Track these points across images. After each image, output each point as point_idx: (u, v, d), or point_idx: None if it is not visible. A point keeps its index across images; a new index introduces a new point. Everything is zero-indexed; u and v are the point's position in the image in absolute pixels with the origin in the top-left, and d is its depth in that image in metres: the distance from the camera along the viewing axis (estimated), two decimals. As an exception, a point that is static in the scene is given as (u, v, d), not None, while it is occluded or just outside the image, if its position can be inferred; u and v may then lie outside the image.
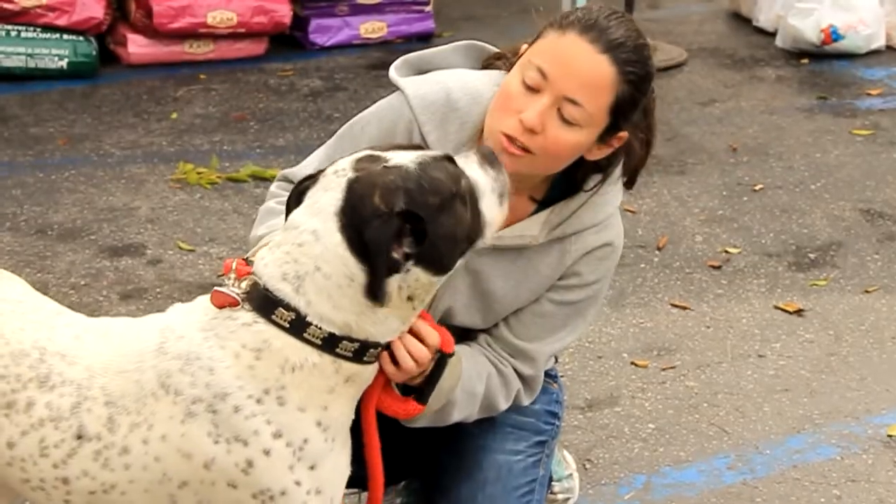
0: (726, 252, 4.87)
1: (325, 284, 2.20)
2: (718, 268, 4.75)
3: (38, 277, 4.41)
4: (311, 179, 2.30)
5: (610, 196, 2.67)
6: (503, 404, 2.71)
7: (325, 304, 2.21)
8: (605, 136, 2.51)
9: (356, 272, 2.19)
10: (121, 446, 2.26)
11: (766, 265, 4.78)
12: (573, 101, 2.43)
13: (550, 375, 2.98)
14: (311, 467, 2.26)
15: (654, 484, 3.54)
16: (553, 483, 3.25)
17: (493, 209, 2.33)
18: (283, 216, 2.35)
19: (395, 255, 2.18)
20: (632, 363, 4.11)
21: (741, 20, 7.60)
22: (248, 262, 2.30)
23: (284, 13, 6.67)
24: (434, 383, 2.44)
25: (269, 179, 5.21)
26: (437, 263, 2.24)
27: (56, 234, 4.78)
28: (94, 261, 4.59)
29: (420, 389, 2.46)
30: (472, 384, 2.61)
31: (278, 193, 2.75)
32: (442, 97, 2.62)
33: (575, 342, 4.15)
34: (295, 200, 2.31)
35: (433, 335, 2.38)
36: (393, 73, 2.71)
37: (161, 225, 4.89)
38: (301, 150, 5.52)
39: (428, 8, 7.11)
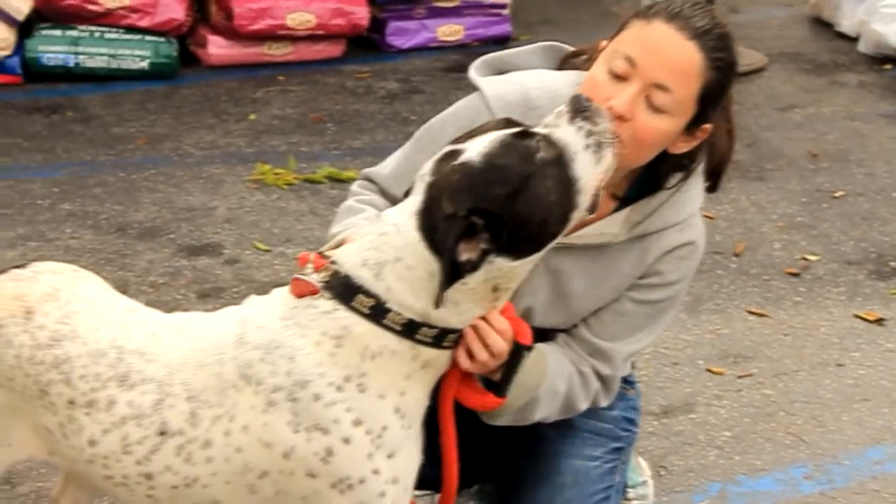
0: (805, 259, 4.81)
1: (405, 274, 2.23)
2: (797, 275, 4.70)
3: (118, 275, 4.46)
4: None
5: (692, 195, 2.65)
6: (583, 404, 2.69)
7: (405, 292, 2.23)
8: (691, 127, 2.50)
9: (436, 268, 2.20)
10: (203, 440, 2.28)
11: (846, 273, 4.71)
12: (663, 88, 2.42)
13: (628, 381, 2.96)
14: (389, 455, 2.27)
15: (730, 492, 3.50)
16: (627, 489, 3.23)
17: (587, 168, 2.26)
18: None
19: (467, 255, 2.19)
20: (707, 370, 4.07)
21: (822, 25, 7.51)
22: (324, 257, 2.32)
23: (363, 15, 6.70)
24: (511, 375, 2.41)
25: (346, 181, 5.25)
26: (521, 249, 2.24)
27: (136, 232, 4.84)
28: (173, 260, 4.64)
29: (499, 386, 2.44)
30: (554, 383, 2.59)
31: (359, 192, 2.77)
32: (520, 96, 2.62)
33: (650, 348, 4.12)
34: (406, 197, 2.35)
35: (506, 326, 2.35)
36: (472, 73, 2.72)
37: (238, 225, 4.93)
38: (377, 151, 5.53)
39: (505, 11, 7.10)
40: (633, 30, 2.48)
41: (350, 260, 2.26)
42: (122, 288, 2.56)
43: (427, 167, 2.29)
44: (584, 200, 2.27)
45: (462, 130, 2.63)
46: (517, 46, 2.84)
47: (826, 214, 5.18)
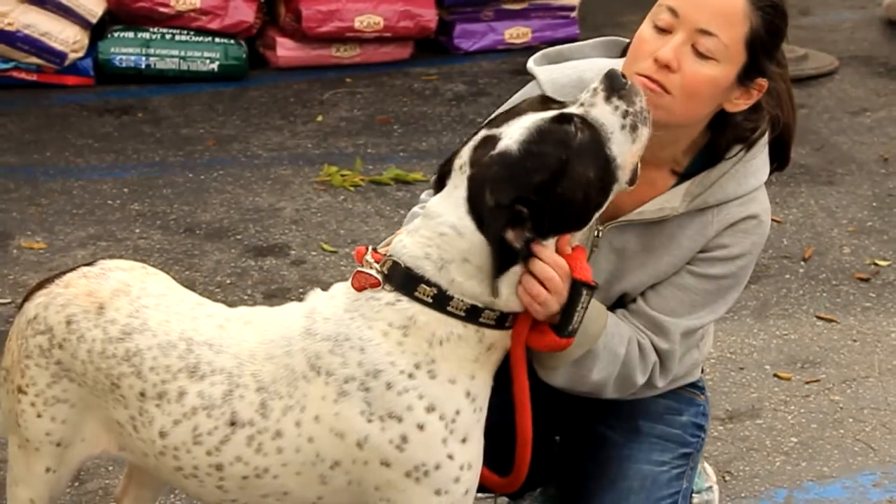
0: (875, 265, 4.75)
1: (475, 272, 2.25)
2: (867, 280, 4.64)
3: (185, 275, 4.51)
4: (450, 164, 2.34)
5: (755, 168, 2.62)
6: (640, 378, 2.63)
7: (472, 285, 2.26)
8: (743, 79, 2.48)
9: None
10: (274, 430, 2.30)
11: (918, 279, 4.65)
12: (707, 33, 2.43)
13: (698, 387, 2.93)
14: (463, 440, 2.29)
15: (796, 499, 3.47)
16: (692, 495, 3.20)
17: (624, 147, 2.28)
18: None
19: (517, 243, 2.22)
20: (775, 375, 4.03)
21: None
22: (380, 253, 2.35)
23: (430, 18, 6.72)
24: (570, 312, 2.35)
25: (412, 183, 5.26)
26: (565, 228, 2.29)
27: (204, 233, 4.88)
28: (240, 260, 4.68)
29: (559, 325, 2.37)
30: (614, 343, 2.56)
31: (426, 199, 2.77)
32: (574, 79, 2.63)
33: (717, 352, 4.09)
34: (437, 186, 2.38)
35: (562, 262, 2.30)
36: (530, 63, 2.75)
37: (305, 226, 4.96)
38: (444, 153, 5.50)
39: (573, 14, 7.09)
40: None
41: (409, 252, 2.28)
42: (190, 288, 2.59)
43: (465, 155, 2.30)
44: (623, 175, 2.31)
45: None
46: (583, 47, 2.84)
47: (897, 219, 5.11)
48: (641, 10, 2.57)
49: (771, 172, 2.68)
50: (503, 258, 2.22)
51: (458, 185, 2.29)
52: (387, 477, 2.28)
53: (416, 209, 2.77)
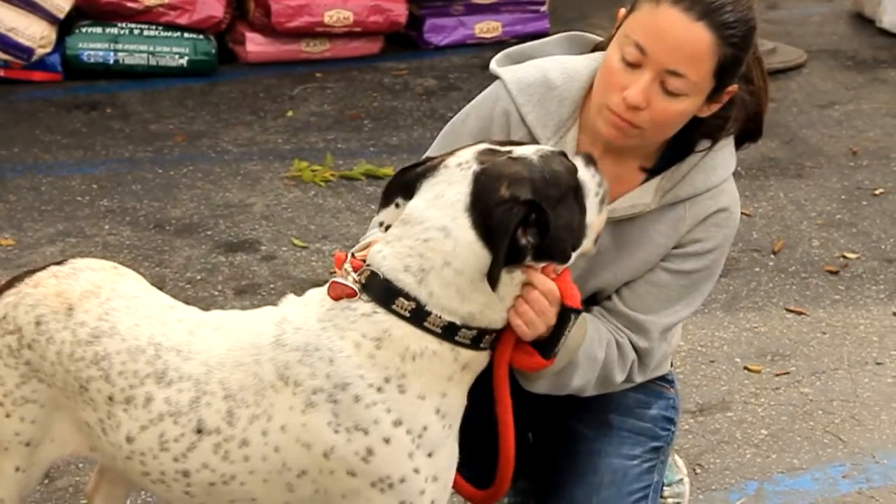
0: (844, 257, 4.78)
1: (454, 279, 2.22)
2: (836, 273, 4.66)
3: (155, 272, 4.49)
4: (420, 168, 2.31)
5: (721, 159, 2.62)
6: (619, 376, 2.65)
7: (450, 297, 2.23)
8: (713, 96, 2.48)
9: (488, 264, 2.20)
10: (240, 439, 2.29)
11: (886, 271, 4.67)
12: (675, 73, 2.40)
13: (667, 380, 2.94)
14: (429, 454, 2.27)
15: (767, 491, 3.48)
16: (663, 487, 3.21)
17: (593, 212, 2.34)
18: (383, 207, 2.36)
19: (522, 240, 2.20)
20: (745, 368, 4.05)
21: (864, 21, 7.45)
22: (359, 260, 2.32)
23: (400, 12, 6.71)
24: (558, 337, 2.37)
25: (382, 178, 5.26)
26: (556, 255, 2.27)
27: (174, 229, 4.86)
28: (210, 256, 4.67)
29: (544, 342, 2.39)
30: (593, 348, 2.57)
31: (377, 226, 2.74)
32: (539, 78, 2.62)
33: (687, 345, 4.11)
34: (400, 188, 2.32)
35: (553, 287, 2.31)
36: (493, 64, 2.72)
37: (275, 221, 4.95)
38: (414, 148, 5.55)
39: (543, 8, 7.10)
40: (643, 12, 2.43)
41: (389, 264, 2.25)
42: (160, 284, 2.58)
43: (467, 156, 2.27)
44: (590, 236, 2.34)
45: (482, 119, 2.65)
46: (552, 43, 2.84)
47: (866, 212, 5.14)
48: (610, 4, 2.57)
49: (745, 144, 2.68)
50: (511, 251, 2.19)
51: (454, 182, 2.24)
52: (353, 486, 2.27)
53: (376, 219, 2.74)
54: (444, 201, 2.24)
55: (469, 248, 2.21)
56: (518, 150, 2.28)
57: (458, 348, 2.26)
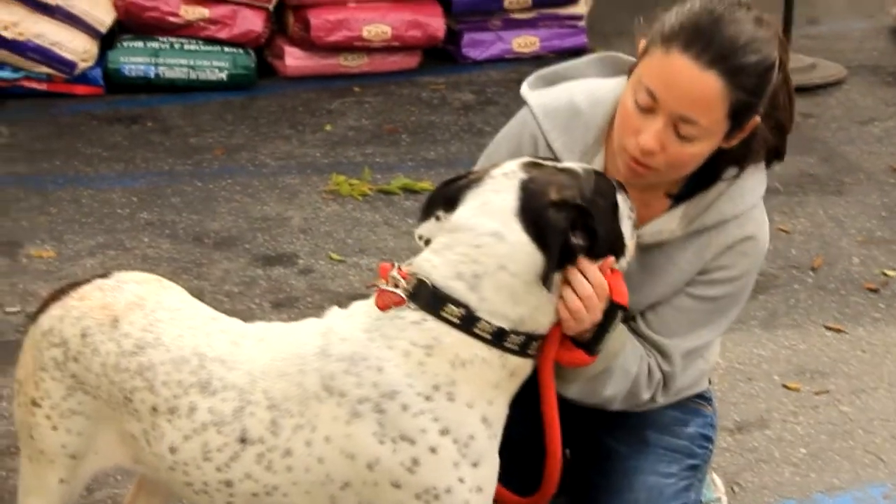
0: (884, 275, 4.75)
1: (509, 282, 2.25)
2: (876, 291, 4.63)
3: (194, 284, 4.51)
4: (462, 180, 2.34)
5: (750, 186, 2.61)
6: (645, 394, 2.66)
7: (503, 301, 2.25)
8: (732, 132, 2.47)
9: (542, 267, 2.24)
10: (284, 449, 2.30)
11: (926, 289, 4.64)
12: (687, 120, 2.40)
13: (705, 398, 2.93)
14: (475, 464, 2.28)
15: (806, 510, 3.46)
16: (701, 506, 3.20)
17: (627, 234, 2.39)
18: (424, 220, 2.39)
19: (574, 241, 2.24)
20: (783, 386, 4.03)
21: (904, 37, 7.41)
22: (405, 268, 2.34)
23: (438, 27, 6.73)
24: (603, 333, 2.39)
25: (420, 192, 5.27)
26: (606, 255, 2.33)
27: (212, 242, 4.89)
28: (248, 269, 4.69)
29: (588, 343, 2.42)
30: (628, 360, 2.58)
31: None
32: (564, 103, 2.64)
33: (725, 362, 4.09)
34: (441, 201, 2.35)
35: (603, 281, 2.33)
36: (524, 87, 2.74)
37: (313, 235, 4.97)
38: (451, 163, 5.55)
39: (581, 23, 7.09)
40: (654, 58, 2.42)
41: (440, 272, 2.27)
42: (198, 297, 2.59)
43: (512, 167, 2.31)
44: (626, 256, 2.41)
45: (512, 145, 2.69)
46: (593, 57, 2.84)
47: (906, 229, 5.11)
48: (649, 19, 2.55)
49: (768, 166, 2.67)
50: (564, 251, 2.23)
51: (501, 191, 2.28)
52: (397, 498, 2.27)
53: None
54: (492, 208, 2.27)
55: (523, 249, 2.24)
56: (564, 163, 2.36)
57: (506, 355, 2.28)
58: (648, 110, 2.42)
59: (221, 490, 2.36)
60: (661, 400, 2.72)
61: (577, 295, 2.30)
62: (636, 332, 2.65)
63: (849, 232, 5.08)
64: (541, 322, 2.31)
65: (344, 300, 4.36)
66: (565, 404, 2.60)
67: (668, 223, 2.59)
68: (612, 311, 2.37)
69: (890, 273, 4.75)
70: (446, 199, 2.35)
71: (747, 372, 4.10)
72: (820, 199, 5.35)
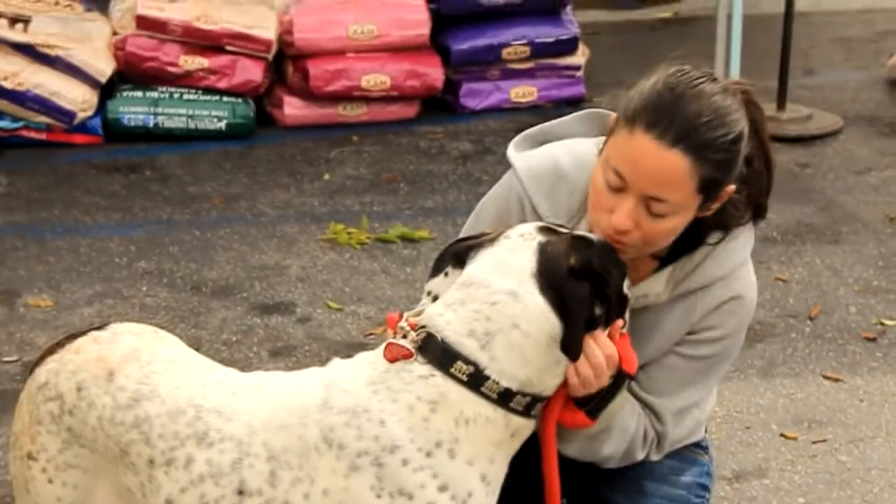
0: (882, 324, 4.75)
1: (520, 342, 2.25)
2: (873, 340, 4.63)
3: (191, 333, 4.51)
4: (474, 240, 2.36)
5: (736, 246, 2.61)
6: (640, 453, 2.67)
7: (512, 360, 2.25)
8: (705, 203, 2.47)
9: (558, 331, 2.24)
10: (282, 501, 2.28)
11: (924, 338, 4.64)
12: (657, 199, 2.40)
13: (701, 447, 2.93)
14: None
15: (804, 561, 3.45)
16: (699, 556, 3.18)
17: (627, 297, 2.42)
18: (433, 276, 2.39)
19: (597, 311, 2.27)
20: (781, 435, 4.02)
21: (900, 88, 7.44)
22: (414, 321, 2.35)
23: (437, 77, 6.76)
24: (608, 400, 2.40)
25: (418, 241, 5.28)
26: (616, 319, 2.37)
27: (210, 290, 4.89)
28: (246, 318, 4.69)
29: (589, 404, 2.42)
30: (626, 419, 2.58)
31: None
32: (549, 167, 2.64)
33: (722, 411, 4.08)
34: (452, 258, 2.36)
35: (614, 352, 2.34)
36: (510, 149, 2.73)
37: (311, 284, 4.97)
38: (449, 212, 5.57)
39: (579, 73, 7.13)
40: (619, 139, 2.42)
41: (453, 328, 2.27)
42: (196, 346, 2.60)
43: (528, 229, 2.33)
44: (625, 316, 2.45)
45: (500, 208, 2.70)
46: (590, 107, 2.85)
47: (903, 278, 5.11)
48: (645, 69, 2.56)
49: (753, 222, 2.66)
50: (579, 325, 2.25)
51: (517, 251, 2.29)
52: None
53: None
54: (508, 267, 2.28)
55: (538, 310, 2.25)
56: (576, 231, 2.39)
57: (510, 415, 2.28)
58: (618, 190, 2.42)
59: None
60: (655, 458, 2.73)
61: (589, 363, 2.31)
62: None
63: (846, 281, 5.09)
64: (548, 384, 2.31)
65: (342, 349, 4.41)
66: (563, 456, 2.60)
67: (654, 286, 2.60)
68: (621, 379, 2.39)
69: (887, 322, 4.76)
70: (457, 256, 2.36)
71: (745, 421, 4.09)
72: (817, 248, 5.36)
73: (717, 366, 2.69)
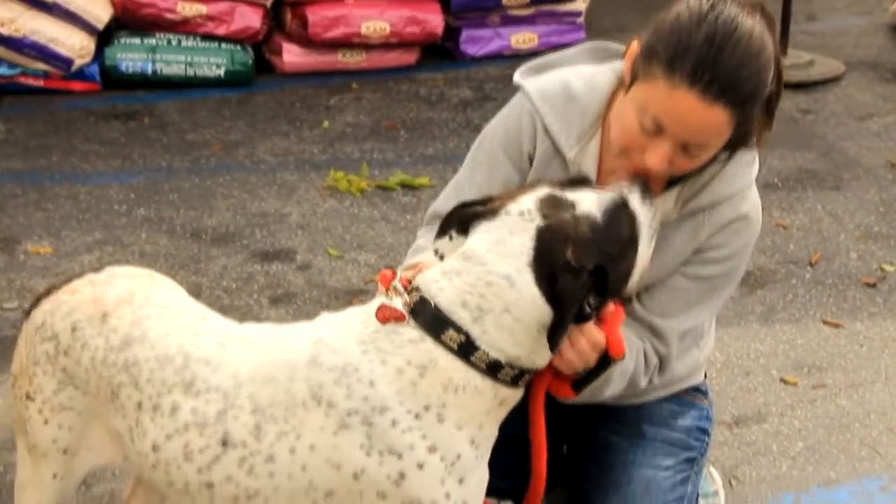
0: (882, 270, 4.75)
1: (511, 325, 2.23)
2: (873, 286, 4.63)
3: (192, 280, 4.51)
4: (480, 208, 2.31)
5: (744, 167, 2.61)
6: (643, 382, 2.68)
7: (504, 339, 2.24)
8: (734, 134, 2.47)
9: (549, 320, 2.22)
10: (267, 454, 2.28)
11: (924, 284, 4.64)
12: (697, 144, 2.40)
13: (701, 391, 2.94)
14: (461, 480, 2.27)
15: (803, 503, 3.47)
16: (698, 499, 3.20)
17: (645, 247, 2.35)
18: (440, 237, 2.37)
19: (587, 308, 2.23)
20: (781, 380, 4.03)
21: (902, 33, 7.40)
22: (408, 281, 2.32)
23: (437, 23, 6.72)
24: (591, 380, 2.39)
25: (418, 188, 5.27)
26: (611, 300, 2.33)
27: (210, 238, 4.89)
28: (246, 265, 4.68)
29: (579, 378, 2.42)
30: (626, 363, 2.58)
31: (426, 235, 2.74)
32: (560, 89, 2.63)
33: (723, 357, 4.09)
34: (457, 222, 2.33)
35: (600, 341, 2.33)
36: (517, 76, 2.72)
37: (311, 231, 4.97)
38: (449, 159, 5.55)
39: (579, 19, 7.09)
40: (658, 89, 2.36)
41: (447, 296, 2.25)
42: (196, 293, 2.59)
43: (529, 205, 2.26)
44: (638, 274, 2.36)
45: (510, 132, 2.67)
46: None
47: (904, 224, 5.11)
48: (646, 13, 2.53)
49: (758, 139, 2.65)
50: (567, 321, 2.21)
51: (516, 232, 2.24)
52: None
53: (419, 242, 2.73)
54: (506, 249, 2.24)
55: (532, 301, 2.22)
56: (582, 205, 2.26)
57: (498, 385, 2.27)
58: (654, 134, 2.41)
59: (202, 492, 2.34)
60: (657, 382, 2.73)
61: (573, 348, 2.31)
62: (631, 315, 2.65)
63: (847, 227, 5.08)
64: (537, 362, 2.30)
65: (342, 296, 4.41)
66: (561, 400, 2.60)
67: (663, 205, 2.58)
68: (606, 362, 2.37)
69: (887, 268, 4.75)
70: (462, 222, 2.33)
71: (745, 366, 4.10)
72: (818, 194, 5.35)
73: (721, 287, 2.68)
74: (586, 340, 2.31)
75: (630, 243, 2.30)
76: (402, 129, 6.02)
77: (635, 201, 2.33)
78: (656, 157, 2.40)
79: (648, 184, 2.40)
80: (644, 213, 2.35)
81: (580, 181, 2.38)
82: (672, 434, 2.85)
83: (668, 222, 2.59)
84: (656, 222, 2.39)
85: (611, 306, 2.35)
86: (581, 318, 2.24)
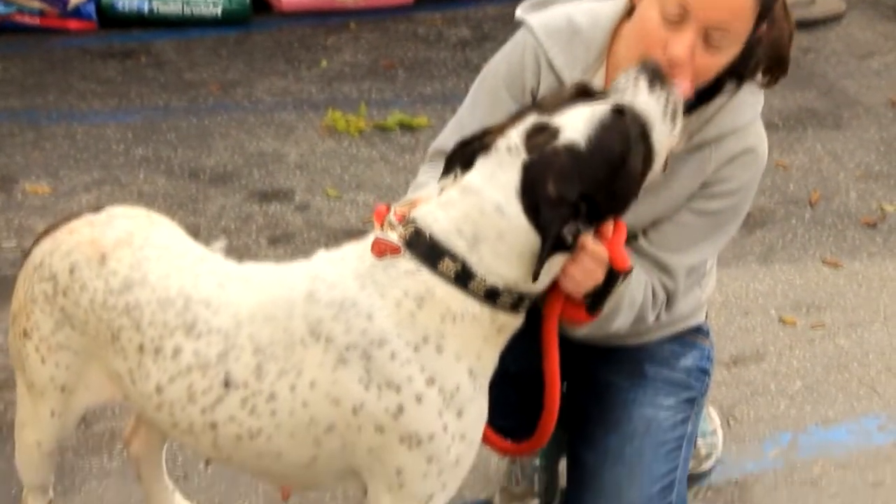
0: (882, 209, 4.74)
1: (506, 251, 2.22)
2: (873, 225, 4.63)
3: (190, 220, 4.50)
4: (477, 143, 2.30)
5: (749, 100, 2.60)
6: (651, 317, 2.67)
7: (500, 265, 2.23)
8: (752, 35, 2.44)
9: (538, 246, 2.20)
10: (268, 393, 2.29)
11: (924, 224, 4.64)
12: (720, 28, 2.37)
13: (702, 331, 2.94)
14: (459, 413, 2.27)
15: (801, 442, 3.48)
16: (697, 439, 3.21)
17: (663, 137, 2.29)
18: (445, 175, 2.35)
19: (568, 237, 2.20)
20: (780, 320, 4.04)
21: (904, -30, 7.35)
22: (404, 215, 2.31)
23: (435, -39, 6.66)
24: (603, 298, 2.37)
25: (416, 128, 5.24)
26: (613, 214, 2.29)
27: (208, 177, 4.87)
28: (244, 205, 4.67)
29: (591, 299, 2.39)
30: (634, 293, 2.58)
31: (429, 171, 2.73)
32: (564, 22, 2.61)
33: (721, 297, 4.09)
34: (460, 160, 2.32)
35: (603, 254, 2.30)
36: (519, 11, 2.71)
37: (309, 171, 4.95)
38: (448, 99, 5.53)
39: (579, -43, 7.02)
40: None
41: (442, 226, 2.24)
42: (194, 233, 2.58)
43: (516, 140, 2.24)
44: (659, 162, 2.30)
45: (513, 66, 2.64)
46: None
47: (904, 164, 5.10)
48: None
49: (774, 81, 2.64)
50: (554, 248, 2.20)
51: (505, 166, 2.22)
52: (380, 441, 2.27)
53: (420, 178, 2.72)
54: (497, 181, 2.22)
55: (521, 229, 2.21)
56: (566, 132, 2.21)
57: (496, 312, 2.26)
58: (677, 22, 2.38)
59: (206, 432, 2.35)
60: (664, 318, 2.73)
61: (578, 267, 2.29)
62: (638, 251, 2.64)
63: (847, 166, 5.07)
64: (534, 288, 2.28)
65: (341, 236, 4.40)
66: (564, 339, 2.60)
67: None
68: (613, 277, 2.34)
69: (887, 207, 4.75)
70: (464, 158, 2.32)
71: (744, 306, 4.10)
72: (818, 133, 5.33)
73: (727, 223, 2.67)
74: (589, 257, 2.29)
75: (626, 156, 2.23)
76: (401, 69, 5.98)
77: (641, 95, 2.27)
78: (680, 46, 2.37)
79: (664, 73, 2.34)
80: (654, 103, 2.28)
81: (581, 92, 2.32)
82: (673, 374, 2.85)
83: (674, 156, 2.57)
84: (676, 98, 2.31)
85: (609, 223, 2.32)
86: (562, 247, 2.21)
